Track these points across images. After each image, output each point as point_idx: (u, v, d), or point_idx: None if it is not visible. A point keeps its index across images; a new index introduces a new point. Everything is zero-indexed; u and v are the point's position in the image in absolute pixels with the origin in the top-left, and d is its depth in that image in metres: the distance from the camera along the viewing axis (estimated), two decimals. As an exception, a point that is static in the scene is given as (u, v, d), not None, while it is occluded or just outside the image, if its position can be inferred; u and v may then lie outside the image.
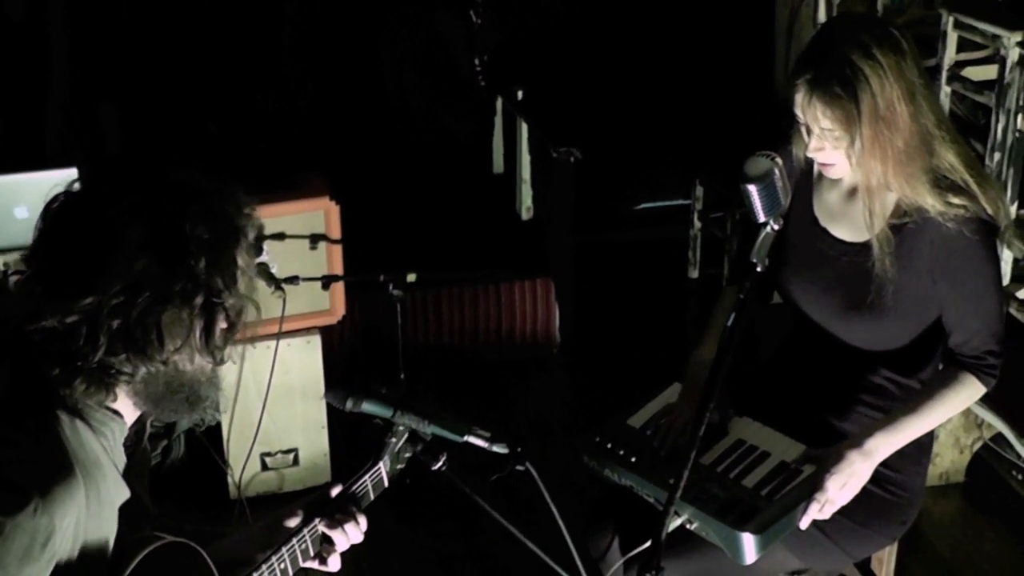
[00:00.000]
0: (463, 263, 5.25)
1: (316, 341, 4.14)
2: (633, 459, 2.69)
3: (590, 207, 5.65)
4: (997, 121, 3.79)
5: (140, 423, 2.13)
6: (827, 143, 2.55)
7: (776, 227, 2.38)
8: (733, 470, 2.65)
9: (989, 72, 3.96)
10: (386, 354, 4.41)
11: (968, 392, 2.67)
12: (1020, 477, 4.18)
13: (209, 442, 4.06)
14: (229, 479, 4.12)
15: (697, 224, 5.70)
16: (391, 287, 3.88)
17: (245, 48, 5.43)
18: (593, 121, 5.83)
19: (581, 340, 5.25)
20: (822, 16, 4.85)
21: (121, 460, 2.07)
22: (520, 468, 2.06)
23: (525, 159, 5.68)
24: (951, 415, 2.72)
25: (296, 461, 4.22)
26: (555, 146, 5.03)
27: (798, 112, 2.55)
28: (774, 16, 5.97)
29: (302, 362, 4.12)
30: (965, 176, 2.57)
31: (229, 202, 1.99)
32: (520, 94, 5.58)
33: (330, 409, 4.20)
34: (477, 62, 5.80)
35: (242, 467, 4.08)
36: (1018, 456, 4.08)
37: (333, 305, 4.14)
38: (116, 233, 1.89)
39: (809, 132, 2.56)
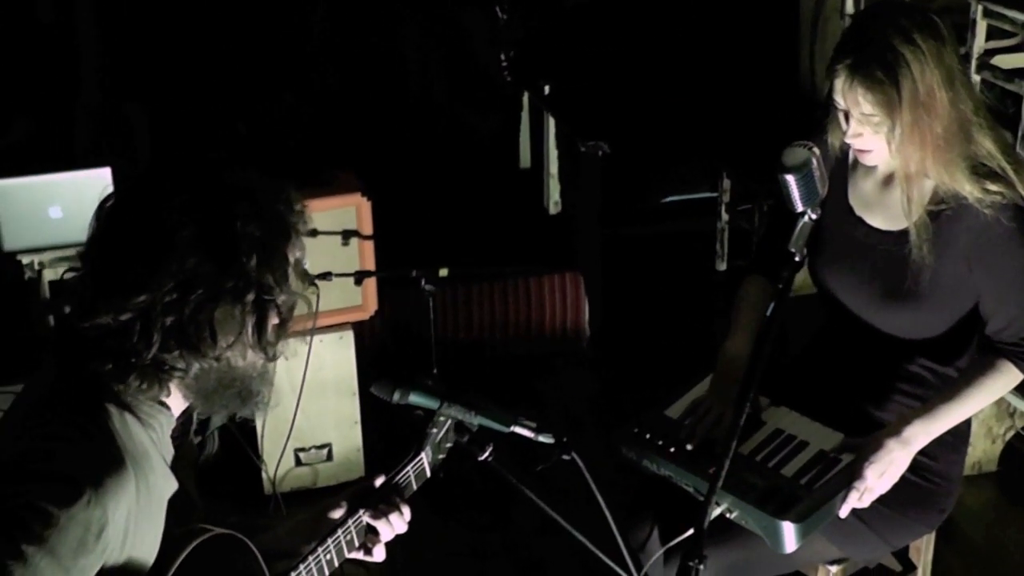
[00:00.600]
0: (491, 258, 5.26)
1: (349, 337, 4.16)
2: (672, 449, 2.70)
3: (617, 201, 5.65)
4: (1029, 110, 3.78)
5: (187, 415, 2.15)
6: (866, 129, 2.55)
7: (814, 216, 2.39)
8: (772, 459, 2.65)
9: (1019, 60, 3.94)
10: (416, 349, 4.43)
11: (1006, 379, 2.67)
12: (1052, 464, 4.18)
13: (243, 438, 4.08)
14: (263, 474, 4.14)
15: (724, 216, 5.70)
16: (423, 282, 3.90)
17: (272, 47, 5.45)
18: (619, 115, 5.83)
19: (610, 334, 5.25)
20: (849, 7, 4.84)
21: (169, 452, 2.09)
22: (566, 458, 2.07)
23: (552, 154, 5.69)
24: (989, 402, 2.72)
25: (330, 456, 4.24)
26: (583, 140, 5.04)
27: (837, 98, 2.55)
28: (799, 7, 5.96)
29: (335, 358, 4.14)
30: (1002, 163, 2.57)
31: (280, 200, 2.01)
32: (547, 89, 5.59)
33: (363, 404, 4.23)
34: (503, 57, 5.81)
35: (276, 463, 4.10)
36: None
37: (365, 301, 4.16)
38: (169, 232, 1.92)
39: (848, 118, 2.57)
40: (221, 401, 2.04)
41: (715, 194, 5.77)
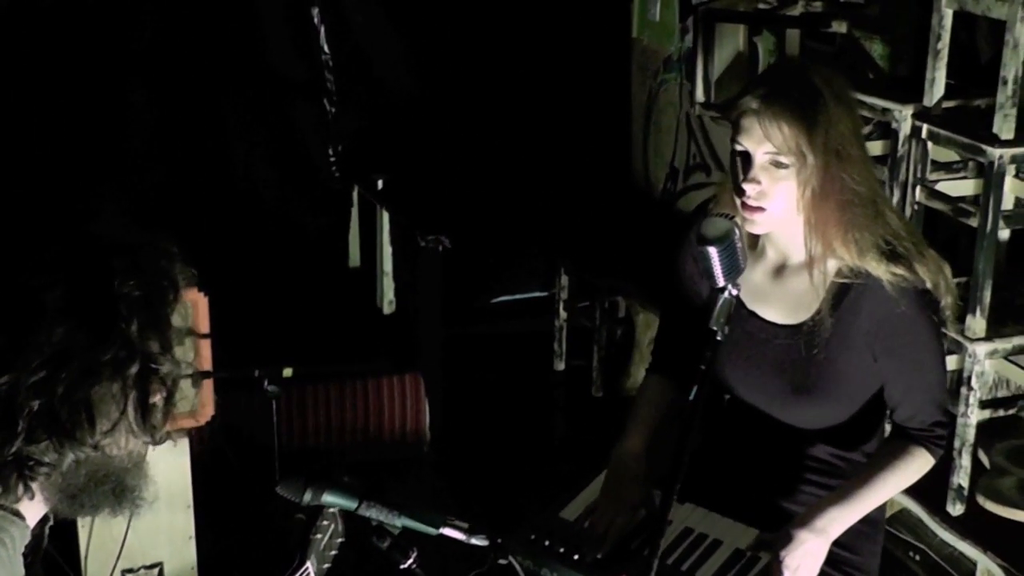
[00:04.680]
0: (325, 360, 5.00)
1: (184, 444, 3.83)
2: (575, 556, 2.45)
3: (452, 300, 5.46)
4: (891, 194, 3.74)
5: (42, 525, 1.82)
6: (768, 176, 2.35)
7: (736, 292, 2.22)
8: (686, 561, 2.45)
9: (876, 148, 3.91)
10: (252, 456, 4.13)
11: (918, 464, 2.55)
12: (917, 558, 4.09)
13: (63, 559, 3.70)
14: (86, 600, 3.76)
15: (563, 314, 5.55)
16: (266, 383, 3.62)
17: (90, 144, 5.13)
18: (455, 212, 5.67)
19: (450, 436, 5.03)
20: (699, 95, 4.79)
21: (19, 574, 1.76)
22: (503, 562, 1.83)
23: (386, 251, 5.49)
24: (902, 487, 2.58)
25: (161, 576, 3.88)
26: (423, 235, 4.85)
27: (742, 138, 2.35)
28: (631, 101, 5.91)
29: (168, 467, 3.79)
30: (907, 244, 2.45)
31: (161, 254, 1.73)
32: (380, 183, 5.39)
33: (197, 518, 3.89)
34: (331, 152, 5.60)
35: (103, 586, 3.72)
36: (915, 536, 4.00)
37: (202, 404, 3.83)
38: (32, 296, 1.62)
39: (748, 164, 2.37)
40: (92, 500, 1.73)
41: (546, 293, 5.63)
